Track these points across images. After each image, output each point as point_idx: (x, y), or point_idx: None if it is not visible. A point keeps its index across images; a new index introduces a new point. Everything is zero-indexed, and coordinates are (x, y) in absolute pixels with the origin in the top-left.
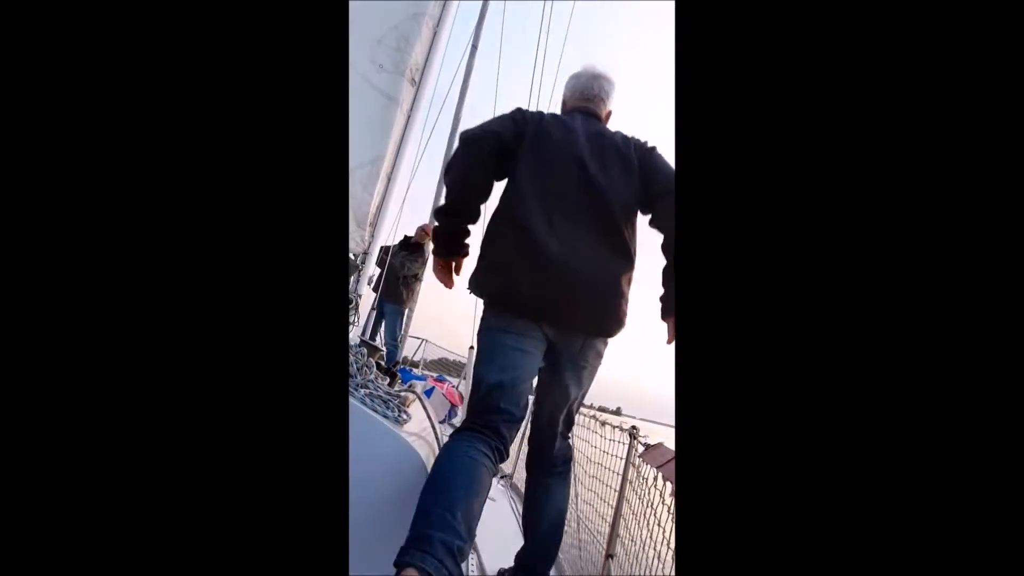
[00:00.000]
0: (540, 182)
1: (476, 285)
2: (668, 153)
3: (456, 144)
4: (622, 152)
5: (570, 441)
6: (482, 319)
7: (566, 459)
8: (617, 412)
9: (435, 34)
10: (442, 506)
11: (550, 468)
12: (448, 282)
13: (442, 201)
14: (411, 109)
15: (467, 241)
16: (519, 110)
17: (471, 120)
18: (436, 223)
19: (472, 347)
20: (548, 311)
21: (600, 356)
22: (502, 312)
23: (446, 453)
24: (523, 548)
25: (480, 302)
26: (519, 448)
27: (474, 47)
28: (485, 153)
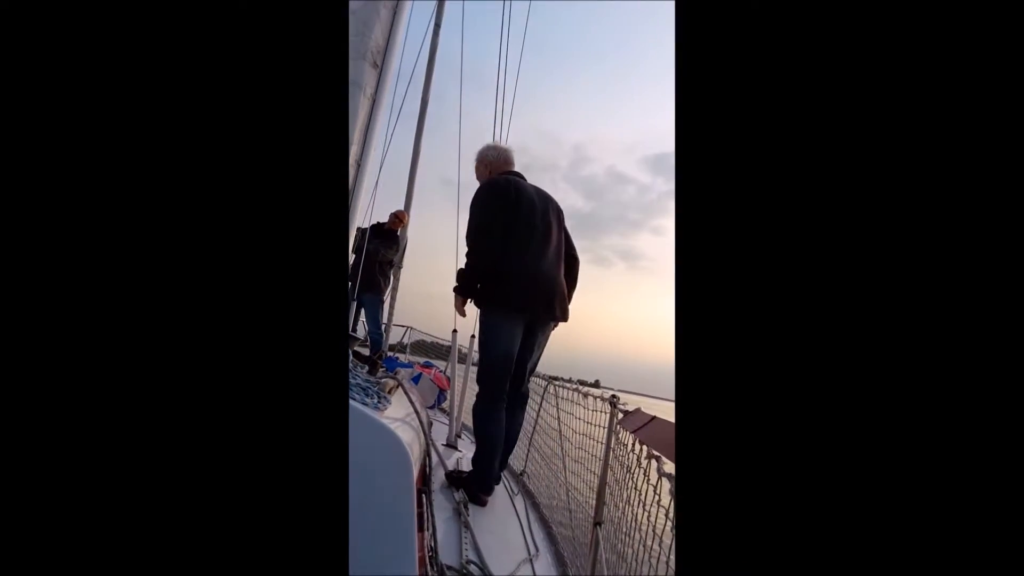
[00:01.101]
0: (522, 228)
1: (485, 297)
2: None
3: (475, 225)
4: (555, 207)
5: (528, 386)
6: (487, 316)
7: (525, 396)
8: (596, 385)
9: (394, 15)
10: (490, 459)
11: (520, 401)
12: (464, 313)
13: (467, 263)
14: (375, 93)
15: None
16: (503, 192)
17: (439, 102)
18: (465, 276)
19: (455, 330)
20: (531, 310)
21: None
22: (503, 311)
23: (484, 420)
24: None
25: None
26: (527, 448)
27: (437, 25)
28: (497, 236)
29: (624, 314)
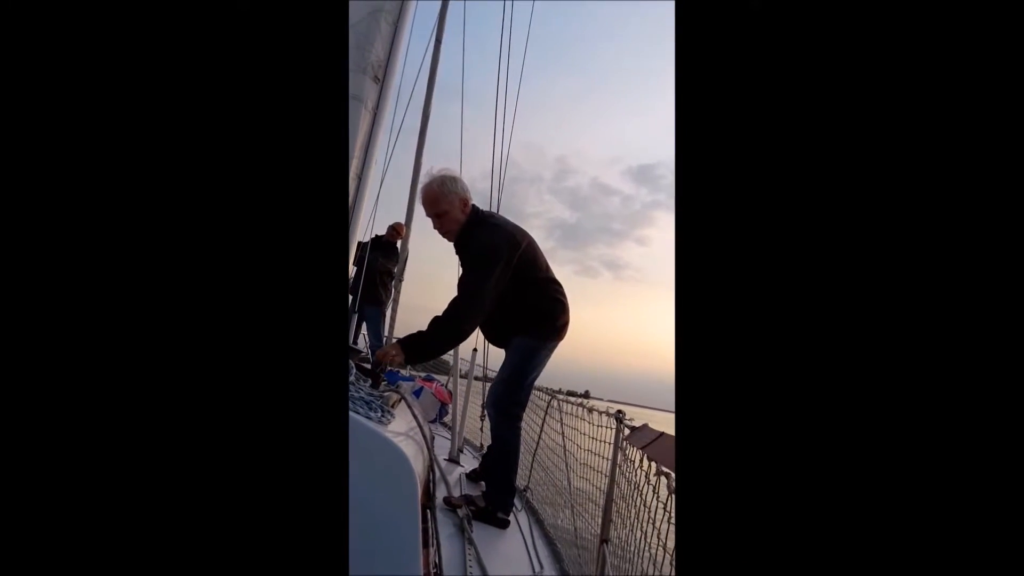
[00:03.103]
0: (544, 264)
1: (533, 326)
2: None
3: (486, 283)
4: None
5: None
6: (530, 345)
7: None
8: (586, 395)
9: (395, 29)
10: (512, 474)
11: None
12: (394, 364)
13: (448, 324)
14: (376, 107)
15: None
16: (510, 250)
17: (441, 115)
18: (430, 337)
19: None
20: (563, 332)
21: None
22: (549, 342)
23: (510, 436)
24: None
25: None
26: (531, 464)
27: (438, 40)
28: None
29: (611, 324)
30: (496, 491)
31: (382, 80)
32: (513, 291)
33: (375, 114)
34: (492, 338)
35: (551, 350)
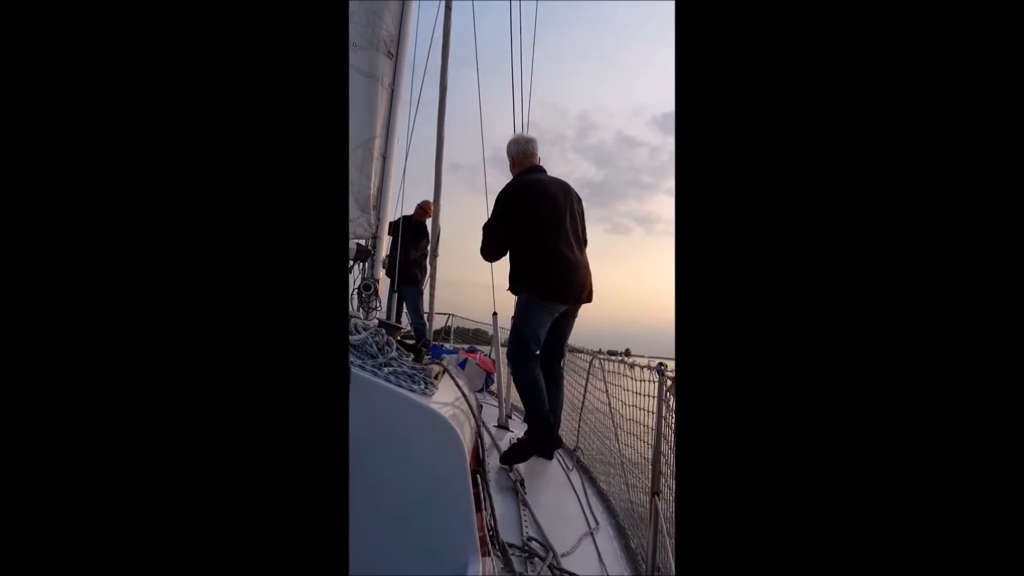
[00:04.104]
0: (549, 221)
1: (526, 285)
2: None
3: (491, 222)
4: (575, 196)
5: (562, 365)
6: (525, 302)
7: (560, 375)
8: (627, 353)
9: (403, 1)
10: (538, 409)
11: (553, 379)
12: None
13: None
14: (393, 83)
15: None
16: (525, 191)
17: (458, 86)
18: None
19: (495, 312)
20: (562, 294)
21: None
22: (538, 298)
23: (522, 377)
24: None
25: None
26: (578, 425)
27: (447, 6)
28: (510, 242)
29: (646, 280)
30: (531, 429)
31: (395, 55)
32: (515, 248)
33: (392, 91)
34: (511, 288)
35: (551, 311)
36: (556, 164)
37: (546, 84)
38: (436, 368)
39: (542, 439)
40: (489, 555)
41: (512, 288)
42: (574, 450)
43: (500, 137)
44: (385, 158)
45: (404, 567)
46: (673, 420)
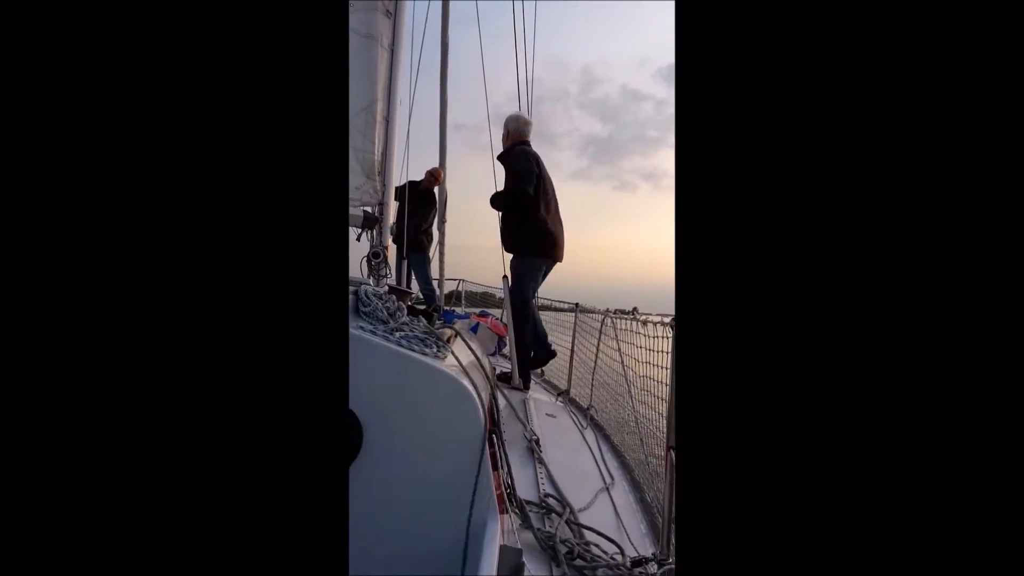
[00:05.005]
0: (547, 187)
1: (520, 246)
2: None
3: (515, 173)
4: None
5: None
6: (518, 261)
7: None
8: (635, 312)
9: None
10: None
11: (535, 319)
12: None
13: (507, 200)
14: (392, 43)
15: None
16: (531, 160)
17: (459, 47)
18: (503, 201)
19: (505, 276)
20: (547, 256)
21: None
22: (530, 259)
23: (521, 317)
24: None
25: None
26: (591, 383)
27: None
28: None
29: (653, 237)
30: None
31: (394, 13)
32: (515, 210)
33: (392, 52)
34: (506, 247)
35: (545, 267)
36: (560, 121)
37: (550, 37)
38: (448, 332)
39: (532, 361)
40: (507, 512)
41: (509, 248)
42: (588, 408)
43: (503, 95)
44: (388, 122)
45: (424, 528)
46: None
